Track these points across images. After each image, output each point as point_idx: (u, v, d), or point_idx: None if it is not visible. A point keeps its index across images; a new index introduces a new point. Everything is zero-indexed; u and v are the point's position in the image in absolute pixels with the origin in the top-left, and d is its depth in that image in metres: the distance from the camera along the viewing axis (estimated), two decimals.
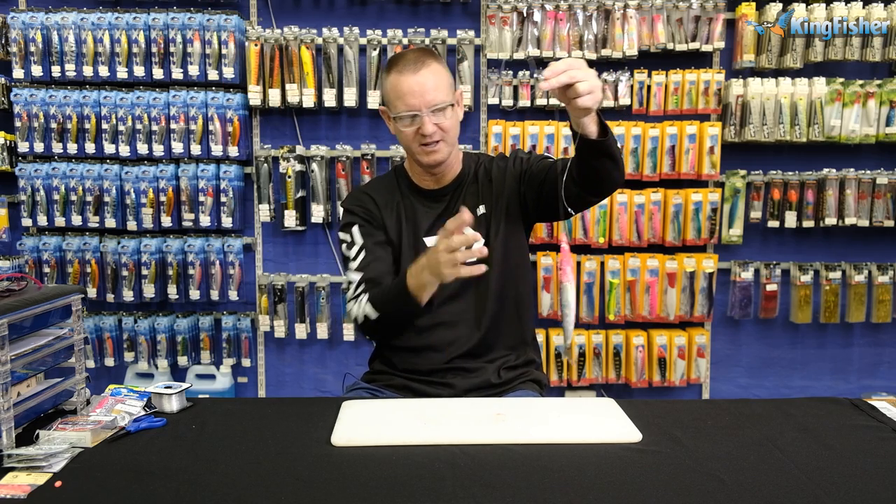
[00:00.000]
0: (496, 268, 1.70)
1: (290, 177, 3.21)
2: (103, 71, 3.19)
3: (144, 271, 3.25)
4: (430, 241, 1.71)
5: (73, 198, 3.22)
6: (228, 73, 3.18)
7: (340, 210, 1.86)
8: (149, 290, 3.26)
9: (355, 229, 1.72)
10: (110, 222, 3.24)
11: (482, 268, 1.45)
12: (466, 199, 1.73)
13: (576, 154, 1.53)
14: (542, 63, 3.23)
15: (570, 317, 1.47)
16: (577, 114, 1.40)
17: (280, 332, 3.32)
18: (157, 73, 3.19)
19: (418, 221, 1.73)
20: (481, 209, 1.72)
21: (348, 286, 1.70)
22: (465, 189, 1.74)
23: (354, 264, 1.69)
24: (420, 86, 1.59)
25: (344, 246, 1.74)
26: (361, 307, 1.64)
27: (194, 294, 3.27)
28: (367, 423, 1.39)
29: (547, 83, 1.32)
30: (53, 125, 3.20)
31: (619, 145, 1.56)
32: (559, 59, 3.18)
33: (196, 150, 3.21)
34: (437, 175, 1.73)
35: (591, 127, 1.45)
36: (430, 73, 1.61)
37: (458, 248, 1.43)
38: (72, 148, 3.22)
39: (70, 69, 3.19)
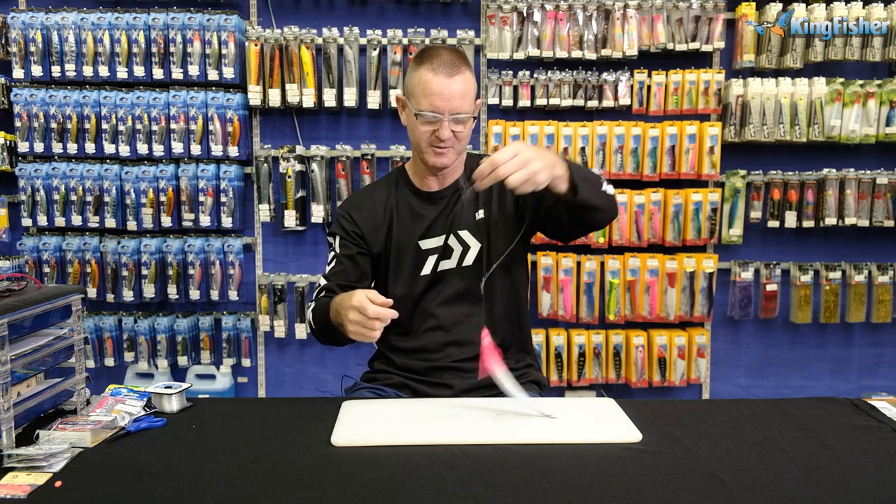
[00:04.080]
0: (496, 274, 1.70)
1: (290, 177, 3.21)
2: (103, 71, 3.19)
3: (144, 271, 3.25)
4: (425, 243, 1.71)
5: (73, 198, 3.22)
6: (228, 73, 3.18)
7: None
8: (149, 290, 3.26)
9: (337, 239, 1.76)
10: (110, 222, 3.24)
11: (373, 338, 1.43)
12: (464, 201, 1.73)
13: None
14: (541, 63, 3.24)
15: (522, 396, 1.44)
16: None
17: (280, 332, 3.32)
18: (157, 73, 3.19)
19: (414, 224, 1.73)
20: (480, 214, 1.72)
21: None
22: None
23: (326, 269, 1.74)
24: (450, 91, 1.58)
25: (329, 247, 1.80)
26: (309, 315, 1.68)
27: (194, 294, 3.27)
28: (367, 423, 1.39)
29: (509, 183, 1.36)
30: (53, 125, 3.19)
31: (602, 188, 1.56)
32: (560, 59, 3.20)
33: (196, 150, 3.21)
34: (438, 177, 1.73)
35: (560, 187, 1.46)
36: (462, 82, 1.60)
37: (365, 322, 1.40)
38: (72, 148, 3.21)
39: (70, 69, 3.19)
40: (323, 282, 1.72)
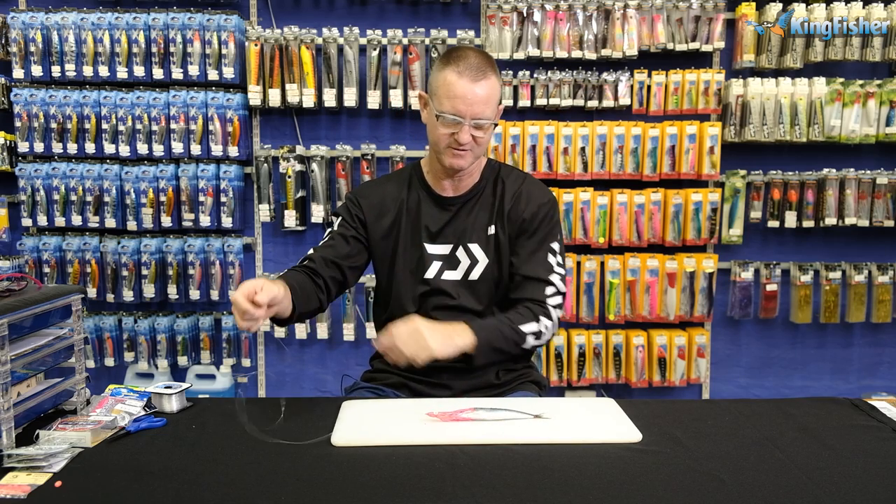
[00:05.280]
0: (501, 289, 1.70)
1: (290, 177, 3.21)
2: (103, 71, 3.19)
3: (144, 271, 3.25)
4: (431, 248, 1.70)
5: (73, 198, 3.22)
6: (228, 73, 3.18)
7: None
8: (149, 290, 3.26)
9: (339, 219, 1.75)
10: (110, 222, 3.24)
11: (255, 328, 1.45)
12: (477, 212, 1.71)
13: None
14: (541, 63, 3.24)
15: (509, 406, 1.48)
16: None
17: (280, 332, 3.32)
18: (157, 73, 3.19)
19: (422, 225, 1.71)
20: (491, 230, 1.70)
21: None
22: (478, 202, 1.72)
23: (319, 242, 1.74)
24: (474, 96, 1.57)
25: (328, 226, 1.80)
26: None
27: (194, 294, 3.27)
28: (367, 423, 1.39)
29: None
30: (53, 125, 3.19)
31: (522, 345, 1.62)
32: (560, 59, 3.19)
33: (196, 150, 3.21)
34: (453, 180, 1.71)
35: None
36: (487, 87, 1.58)
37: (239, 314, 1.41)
38: (72, 148, 3.21)
39: (70, 69, 3.19)
40: (310, 252, 1.71)
